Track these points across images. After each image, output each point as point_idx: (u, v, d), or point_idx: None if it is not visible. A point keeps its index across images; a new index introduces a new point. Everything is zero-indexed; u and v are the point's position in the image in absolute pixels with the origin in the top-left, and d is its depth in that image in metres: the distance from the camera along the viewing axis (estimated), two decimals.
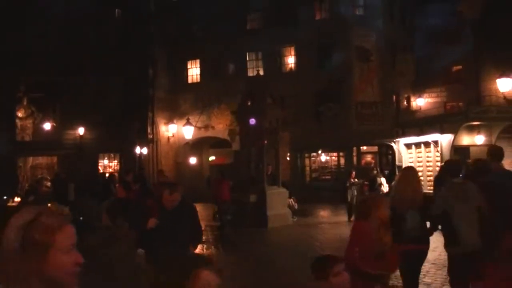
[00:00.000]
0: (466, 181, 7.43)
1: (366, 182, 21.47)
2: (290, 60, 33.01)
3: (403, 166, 17.65)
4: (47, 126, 27.40)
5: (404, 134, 21.62)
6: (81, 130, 27.50)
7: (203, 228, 17.73)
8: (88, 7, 26.56)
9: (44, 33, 25.48)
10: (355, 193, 19.82)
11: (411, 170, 8.34)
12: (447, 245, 7.23)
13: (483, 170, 7.51)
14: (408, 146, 21.54)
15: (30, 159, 28.12)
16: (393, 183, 9.17)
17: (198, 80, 35.04)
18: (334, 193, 24.58)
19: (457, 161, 8.08)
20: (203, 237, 17.57)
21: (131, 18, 29.53)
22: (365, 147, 31.26)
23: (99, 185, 20.91)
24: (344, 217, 20.40)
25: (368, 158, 32.53)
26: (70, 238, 2.24)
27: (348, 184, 20.37)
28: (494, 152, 7.99)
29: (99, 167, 28.90)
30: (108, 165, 29.67)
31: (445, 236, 7.26)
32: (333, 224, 20.06)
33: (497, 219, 6.68)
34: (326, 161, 32.45)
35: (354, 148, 30.67)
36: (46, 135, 27.49)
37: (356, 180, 20.77)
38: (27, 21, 25.38)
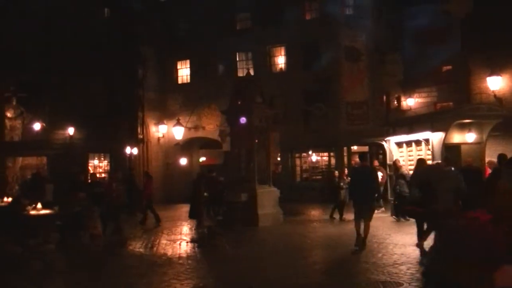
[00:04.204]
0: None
1: None
2: (280, 60, 32.93)
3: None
4: (36, 126, 27.22)
5: (395, 133, 21.58)
6: (70, 130, 27.32)
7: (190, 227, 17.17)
8: (77, 6, 26.45)
9: (32, 32, 25.34)
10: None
11: (422, 161, 14.44)
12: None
13: None
14: (399, 144, 21.49)
15: (20, 159, 27.90)
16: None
17: (188, 80, 34.91)
18: (325, 193, 24.56)
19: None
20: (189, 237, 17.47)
21: (120, 17, 29.35)
22: (355, 147, 31.22)
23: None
24: (335, 216, 20.37)
25: None
26: None
27: (342, 184, 20.27)
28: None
29: (89, 167, 28.71)
30: (98, 165, 29.50)
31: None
32: (323, 222, 20.04)
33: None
34: (317, 161, 32.39)
35: (345, 148, 30.66)
36: (35, 135, 27.32)
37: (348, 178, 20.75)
38: (14, 21, 25.24)
